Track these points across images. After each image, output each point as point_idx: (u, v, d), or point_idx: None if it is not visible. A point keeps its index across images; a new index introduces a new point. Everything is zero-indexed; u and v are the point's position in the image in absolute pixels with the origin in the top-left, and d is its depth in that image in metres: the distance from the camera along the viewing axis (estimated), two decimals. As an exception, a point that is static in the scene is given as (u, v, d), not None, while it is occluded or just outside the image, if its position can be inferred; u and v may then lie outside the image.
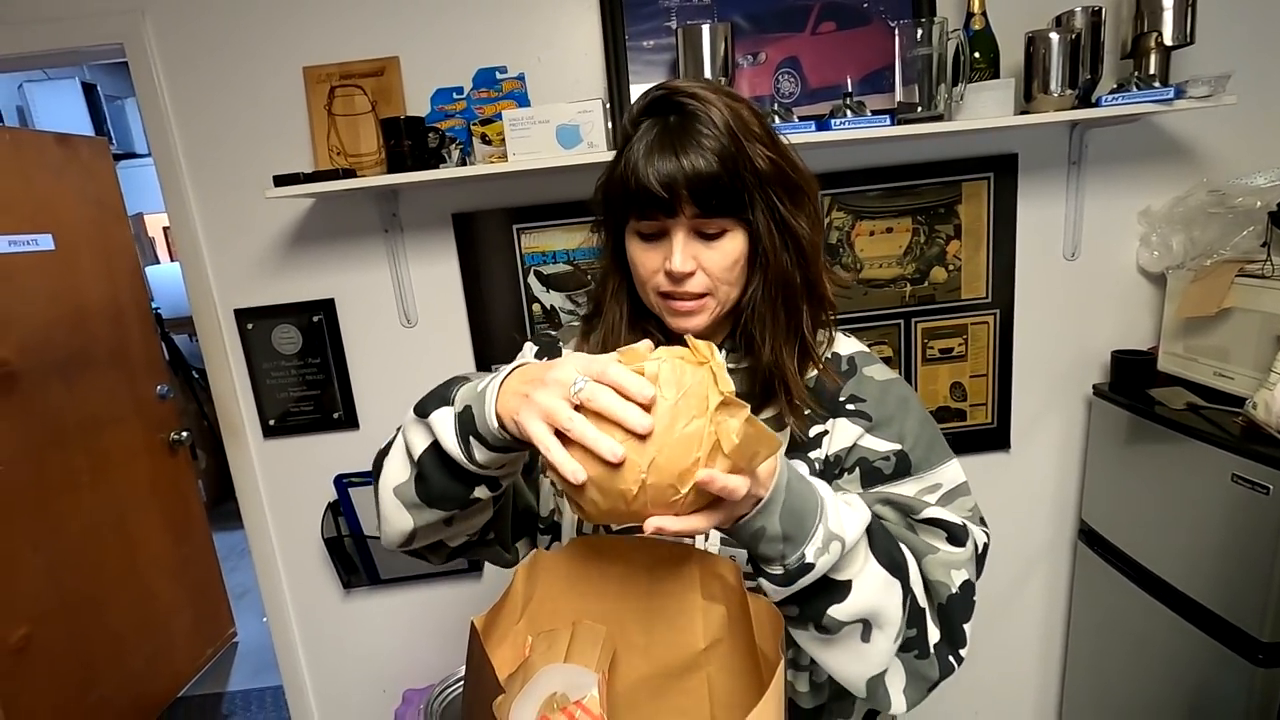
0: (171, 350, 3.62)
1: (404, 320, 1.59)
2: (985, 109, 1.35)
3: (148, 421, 2.44)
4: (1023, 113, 1.37)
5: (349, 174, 1.34)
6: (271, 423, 1.62)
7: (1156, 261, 1.56)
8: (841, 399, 0.73)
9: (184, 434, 2.56)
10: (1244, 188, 1.40)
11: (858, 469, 0.71)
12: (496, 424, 0.53)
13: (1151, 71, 1.37)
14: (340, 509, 1.66)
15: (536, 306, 1.58)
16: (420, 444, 0.59)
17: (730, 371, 0.68)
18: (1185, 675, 1.40)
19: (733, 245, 0.66)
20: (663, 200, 0.63)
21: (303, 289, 1.57)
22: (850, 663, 0.61)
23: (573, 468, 0.47)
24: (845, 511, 0.59)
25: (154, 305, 3.67)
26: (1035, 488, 1.72)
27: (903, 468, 0.70)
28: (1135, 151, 1.54)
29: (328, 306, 1.57)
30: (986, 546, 0.70)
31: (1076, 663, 1.77)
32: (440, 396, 0.59)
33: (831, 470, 0.72)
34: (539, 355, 0.81)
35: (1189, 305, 1.45)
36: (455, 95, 1.45)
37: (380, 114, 1.45)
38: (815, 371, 0.73)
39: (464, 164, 1.40)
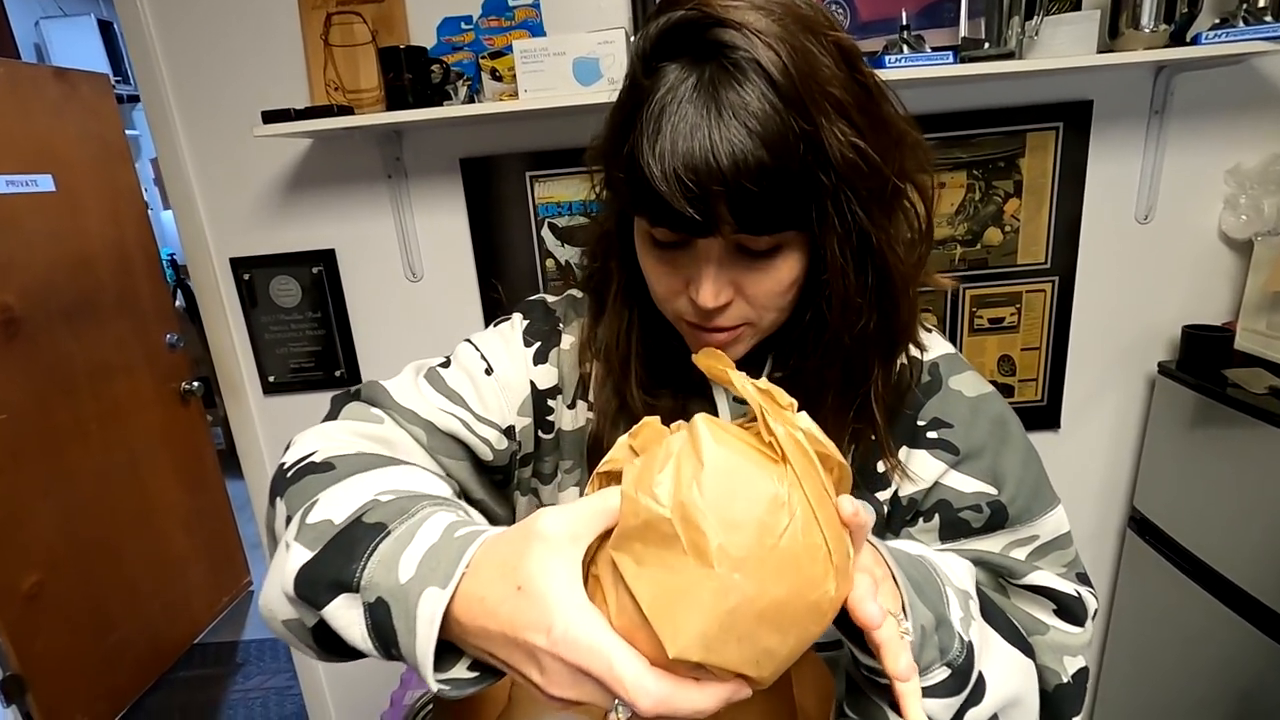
0: (189, 297, 3.58)
1: (409, 274, 1.48)
2: (1063, 46, 1.18)
3: (158, 371, 2.40)
4: (1105, 51, 1.20)
5: (345, 111, 1.22)
6: (272, 379, 1.55)
7: (1243, 227, 1.38)
8: (921, 423, 0.55)
9: (195, 384, 2.51)
10: (1358, 143, 1.22)
11: (937, 516, 0.55)
12: (432, 664, 0.34)
13: (1262, 3, 1.18)
14: (344, 470, 1.59)
15: (550, 261, 1.46)
16: (311, 618, 0.40)
17: (774, 379, 0.55)
18: (1239, 676, 1.29)
19: (787, 268, 0.47)
20: (689, 220, 0.42)
21: (302, 238, 1.47)
22: None
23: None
24: (949, 559, 0.48)
25: (169, 251, 3.62)
26: (1084, 471, 1.59)
27: (997, 522, 0.54)
28: (1229, 100, 1.35)
29: (328, 257, 1.47)
30: (1095, 612, 0.56)
31: (1115, 654, 1.67)
32: (333, 579, 0.37)
33: (902, 515, 0.56)
34: (531, 337, 0.62)
35: (1280, 277, 1.29)
36: (463, 25, 1.31)
37: (381, 45, 1.31)
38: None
39: (471, 102, 1.27)
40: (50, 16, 3.81)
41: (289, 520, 0.43)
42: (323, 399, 1.66)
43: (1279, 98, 1.35)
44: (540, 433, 0.61)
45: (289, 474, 0.48)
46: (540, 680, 0.32)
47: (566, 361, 0.61)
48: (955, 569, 0.49)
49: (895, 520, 0.57)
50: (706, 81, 0.41)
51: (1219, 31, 1.14)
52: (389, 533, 0.38)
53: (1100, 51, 1.19)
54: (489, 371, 0.59)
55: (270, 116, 1.17)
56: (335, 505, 0.41)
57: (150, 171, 3.95)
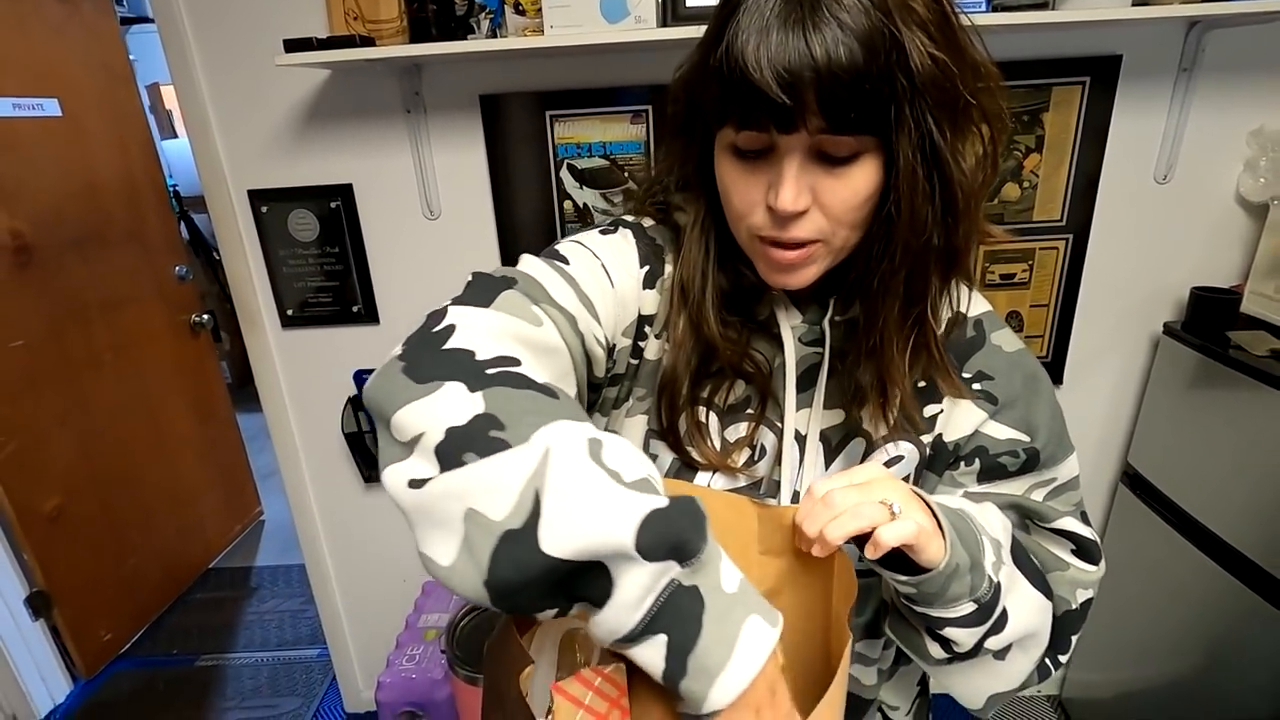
0: (192, 230, 3.56)
1: (427, 211, 1.48)
2: (1098, -3, 1.16)
3: (168, 303, 2.41)
4: (1141, 3, 1.18)
5: (366, 42, 1.20)
6: (290, 313, 1.56)
7: (1261, 190, 1.39)
8: (966, 375, 0.59)
9: (205, 317, 2.53)
10: (1385, 108, 1.22)
11: (977, 461, 0.60)
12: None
13: (1304, -41, 1.16)
14: (360, 404, 1.62)
15: (569, 204, 1.46)
16: (624, 568, 0.35)
17: (836, 323, 0.58)
18: (1217, 627, 1.36)
19: (864, 177, 0.48)
20: (780, 107, 0.44)
21: (319, 172, 1.46)
22: (977, 681, 0.56)
23: None
24: (986, 512, 0.53)
25: (171, 182, 3.57)
26: (1083, 426, 1.63)
27: (1028, 466, 0.59)
28: (1259, 60, 1.34)
29: (345, 192, 1.46)
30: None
31: (1098, 602, 1.73)
32: (677, 541, 0.35)
33: (944, 458, 0.61)
34: (644, 259, 0.60)
35: (1293, 241, 1.30)
36: (487, -45, 1.28)
37: (402, -27, 1.28)
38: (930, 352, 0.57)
39: (494, 36, 1.25)
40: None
41: (515, 432, 0.38)
42: (341, 333, 1.69)
43: (1310, 58, 1.33)
44: (631, 358, 0.61)
45: (490, 371, 0.42)
46: None
47: (666, 291, 0.60)
48: (991, 521, 0.54)
49: (938, 463, 0.61)
50: None
51: (1258, -13, 1.13)
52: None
53: (1135, 4, 1.17)
54: (611, 284, 0.57)
55: (292, 45, 1.16)
56: (628, 457, 0.39)
57: (147, 98, 3.86)
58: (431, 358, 0.42)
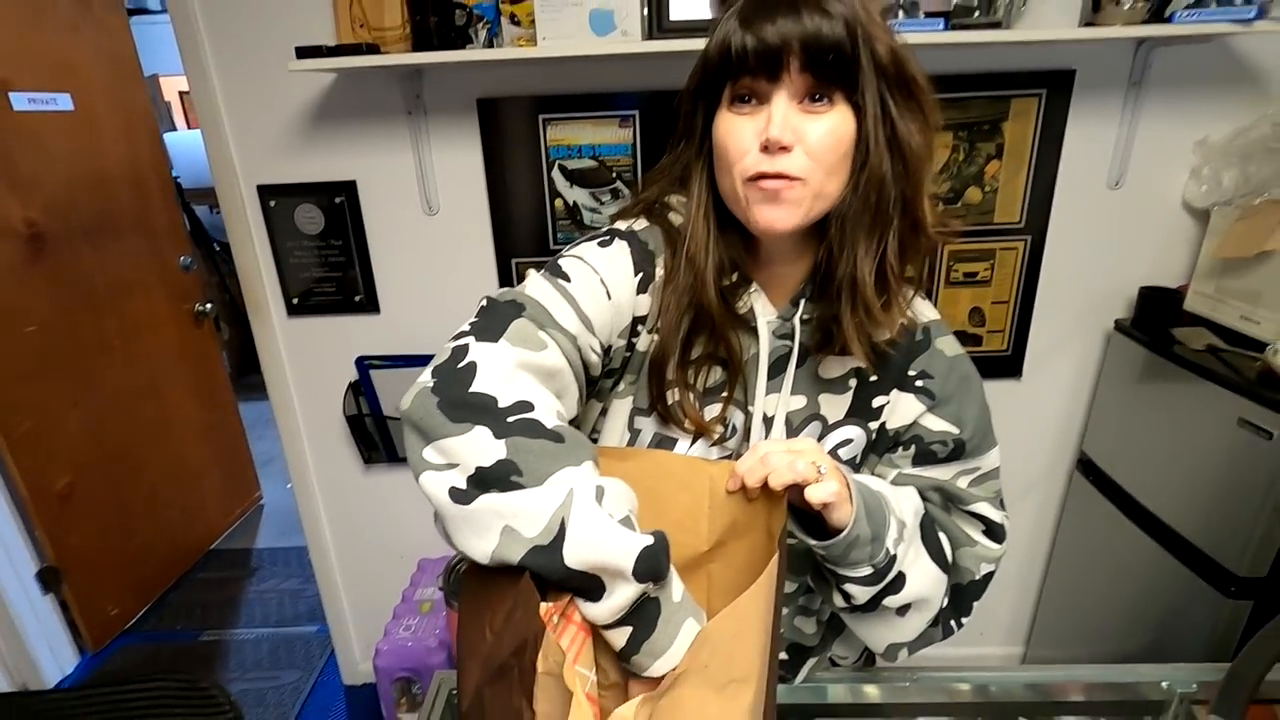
0: (193, 221, 3.62)
1: (426, 208, 1.57)
2: (1049, 18, 1.26)
3: (173, 291, 2.49)
4: (1088, 24, 1.28)
5: (373, 49, 1.29)
6: (295, 301, 1.65)
7: (1204, 196, 1.49)
8: (911, 373, 0.70)
9: (208, 306, 2.61)
10: (1312, 123, 1.32)
11: (913, 447, 0.70)
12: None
13: (1235, -15, 1.26)
14: (361, 389, 1.72)
15: (559, 202, 1.56)
16: (621, 590, 0.48)
17: (805, 321, 0.68)
18: (1158, 602, 1.47)
19: (837, 120, 0.58)
20: (771, 53, 0.55)
21: (325, 169, 1.55)
22: (880, 631, 0.67)
23: None
24: (901, 496, 0.64)
25: (174, 174, 3.64)
26: (1040, 417, 1.74)
27: (955, 454, 0.70)
28: (1202, 76, 1.44)
29: (349, 188, 1.55)
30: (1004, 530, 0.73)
31: (1054, 584, 1.86)
32: (658, 569, 0.49)
33: (885, 443, 0.72)
34: (637, 266, 0.67)
35: (1229, 245, 1.40)
36: (485, -32, 1.37)
37: (405, -16, 1.37)
38: (886, 334, 0.65)
39: (491, 46, 1.34)
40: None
41: (531, 477, 0.49)
42: (343, 322, 1.77)
43: (1246, 76, 1.44)
44: (625, 353, 0.69)
45: (510, 419, 0.51)
46: None
47: (656, 293, 0.68)
48: (904, 505, 0.65)
49: (880, 446, 0.72)
50: None
51: (1192, 11, 1.23)
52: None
53: (1083, 25, 1.27)
54: (609, 296, 0.65)
55: (304, 52, 1.24)
56: (619, 499, 0.52)
57: (147, 89, 3.91)
58: (462, 398, 0.52)
